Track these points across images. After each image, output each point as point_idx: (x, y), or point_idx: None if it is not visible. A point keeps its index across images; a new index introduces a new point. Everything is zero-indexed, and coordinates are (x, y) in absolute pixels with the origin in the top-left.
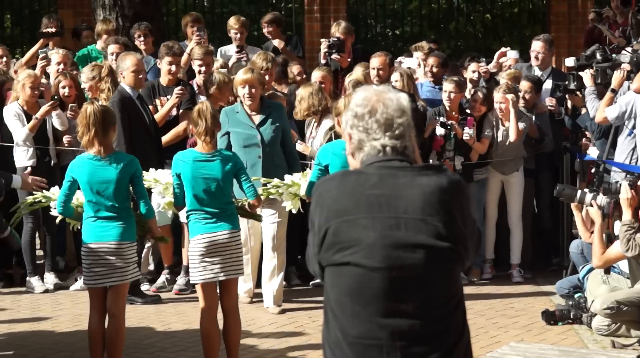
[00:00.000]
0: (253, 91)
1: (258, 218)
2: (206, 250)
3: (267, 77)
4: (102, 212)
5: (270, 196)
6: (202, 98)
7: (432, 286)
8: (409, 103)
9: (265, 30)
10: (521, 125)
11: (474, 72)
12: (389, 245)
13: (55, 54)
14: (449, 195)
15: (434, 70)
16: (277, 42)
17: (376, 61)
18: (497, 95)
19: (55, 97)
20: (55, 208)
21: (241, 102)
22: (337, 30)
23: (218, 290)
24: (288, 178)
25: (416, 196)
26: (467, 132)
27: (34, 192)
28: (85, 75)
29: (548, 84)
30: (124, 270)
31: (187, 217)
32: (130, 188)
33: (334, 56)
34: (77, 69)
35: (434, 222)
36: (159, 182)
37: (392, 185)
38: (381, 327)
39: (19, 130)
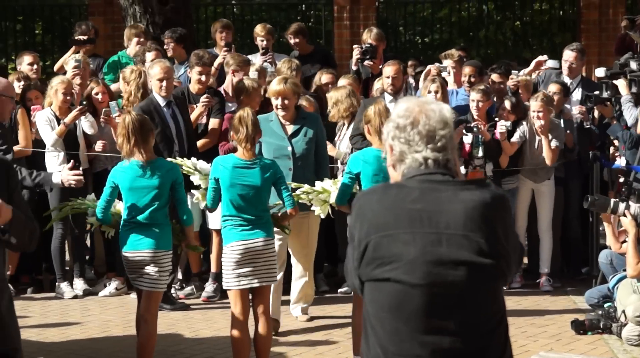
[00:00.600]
0: (286, 102)
1: (286, 231)
2: (241, 256)
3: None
4: (139, 219)
5: (300, 201)
6: (231, 105)
7: (474, 303)
8: (452, 115)
9: (291, 42)
10: (554, 143)
11: (495, 83)
12: (430, 261)
13: (60, 84)
14: (491, 211)
15: (472, 79)
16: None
17: (390, 69)
18: (534, 104)
19: (84, 102)
20: (92, 215)
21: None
22: (369, 36)
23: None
24: (319, 185)
25: (458, 212)
26: (504, 125)
27: (70, 199)
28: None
29: (577, 93)
30: (158, 278)
31: (222, 223)
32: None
33: (366, 62)
34: (109, 75)
35: (476, 238)
36: (199, 172)
37: (434, 200)
38: (422, 344)
39: (48, 135)
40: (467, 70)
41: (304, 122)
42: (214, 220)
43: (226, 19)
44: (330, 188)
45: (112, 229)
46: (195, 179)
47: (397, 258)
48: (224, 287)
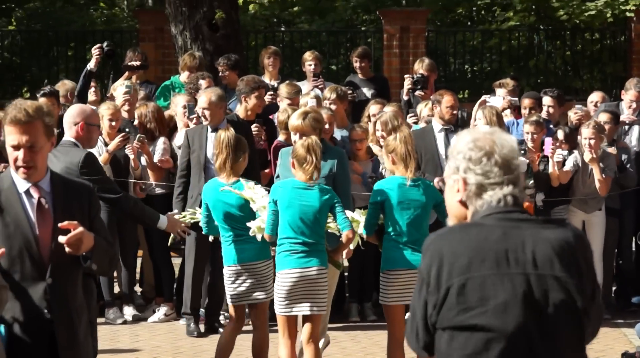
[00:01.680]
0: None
1: (338, 266)
2: (294, 284)
3: (333, 107)
4: (230, 232)
5: (329, 231)
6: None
7: (563, 345)
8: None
9: (356, 65)
10: (605, 174)
11: (545, 106)
12: (520, 304)
13: (106, 110)
14: (577, 250)
15: (550, 110)
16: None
17: (450, 99)
18: (586, 131)
19: (127, 130)
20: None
21: None
22: (421, 66)
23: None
24: (349, 214)
25: (545, 251)
26: (561, 154)
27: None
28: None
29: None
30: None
31: (278, 247)
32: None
33: (417, 92)
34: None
35: (564, 278)
36: (253, 201)
37: (517, 239)
38: None
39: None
40: (526, 102)
41: (326, 158)
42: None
43: (275, 47)
44: (360, 218)
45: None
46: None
47: (484, 301)
48: (276, 312)
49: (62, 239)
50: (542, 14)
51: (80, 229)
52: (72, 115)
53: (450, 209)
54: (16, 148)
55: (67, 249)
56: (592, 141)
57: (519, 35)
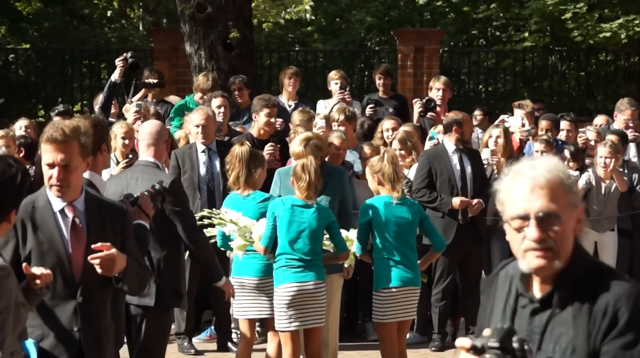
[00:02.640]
0: None
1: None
2: (292, 298)
3: (341, 128)
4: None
5: (323, 248)
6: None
7: None
8: None
9: (379, 82)
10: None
11: (563, 130)
12: None
13: (120, 129)
14: None
15: (569, 134)
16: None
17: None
18: (602, 150)
19: (130, 156)
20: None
21: None
22: (436, 83)
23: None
24: (343, 233)
25: None
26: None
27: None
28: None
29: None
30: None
31: (276, 263)
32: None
33: (429, 114)
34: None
35: None
36: (235, 224)
37: None
38: None
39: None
40: (543, 124)
41: (328, 179)
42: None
43: (295, 67)
44: (354, 236)
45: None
46: (227, 229)
47: None
48: (276, 328)
49: (94, 261)
50: (557, 35)
51: (113, 251)
52: (155, 132)
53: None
54: (51, 166)
55: (99, 270)
56: (608, 160)
57: (534, 56)
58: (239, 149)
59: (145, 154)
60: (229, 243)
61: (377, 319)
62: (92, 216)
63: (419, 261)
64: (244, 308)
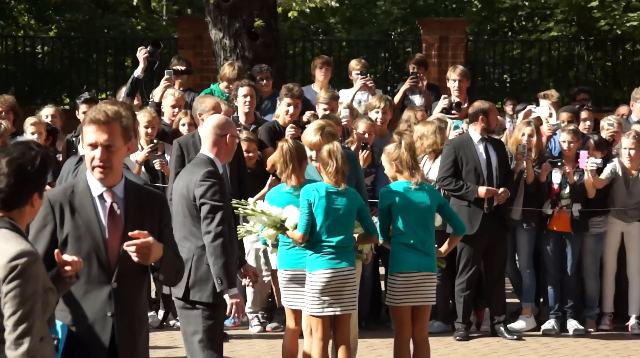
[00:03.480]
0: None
1: (362, 256)
2: (326, 284)
3: (380, 115)
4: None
5: None
6: None
7: None
8: None
9: (411, 71)
10: None
11: (584, 120)
12: None
13: (171, 96)
14: None
15: (588, 123)
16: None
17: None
18: (626, 141)
19: (154, 141)
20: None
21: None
22: (453, 72)
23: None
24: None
25: None
26: (594, 162)
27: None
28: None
29: None
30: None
31: (310, 249)
32: None
33: (453, 112)
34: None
35: None
36: (267, 215)
37: None
38: None
39: (127, 173)
40: (564, 116)
41: None
42: (274, 260)
43: (326, 56)
44: (376, 223)
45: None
46: (256, 220)
47: None
48: (308, 313)
49: (130, 249)
50: (583, 25)
51: (150, 239)
52: (215, 126)
53: None
54: (94, 146)
55: (135, 258)
56: (632, 152)
57: (559, 46)
58: (287, 147)
59: (204, 148)
60: (261, 234)
61: (391, 302)
62: (131, 202)
63: (441, 248)
64: (294, 298)
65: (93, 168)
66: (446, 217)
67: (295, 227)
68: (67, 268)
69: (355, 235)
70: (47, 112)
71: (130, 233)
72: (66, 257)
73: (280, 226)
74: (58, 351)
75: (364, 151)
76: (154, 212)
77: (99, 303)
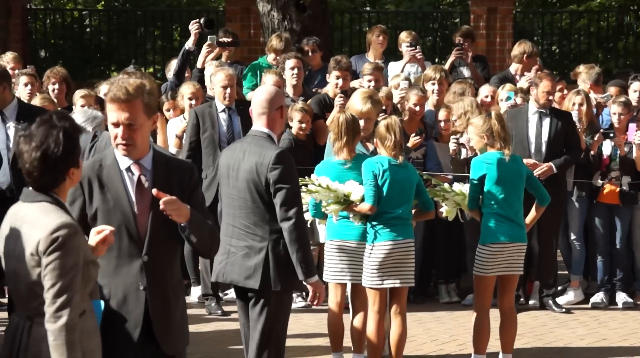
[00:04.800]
0: (368, 123)
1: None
2: (386, 256)
3: (437, 86)
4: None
5: (435, 198)
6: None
7: None
8: None
9: (457, 42)
10: None
11: (635, 91)
12: None
13: (187, 89)
14: None
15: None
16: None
17: (548, 84)
18: None
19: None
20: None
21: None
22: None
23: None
24: (457, 186)
25: None
26: None
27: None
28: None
29: None
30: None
31: (370, 221)
32: None
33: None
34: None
35: None
36: (332, 190)
37: None
38: None
39: (170, 147)
40: (612, 90)
41: (355, 165)
42: (322, 234)
43: (383, 26)
44: (466, 191)
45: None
46: (319, 196)
47: None
48: (366, 285)
49: (161, 203)
50: None
51: (174, 197)
52: (266, 100)
53: None
54: (116, 125)
55: (165, 212)
56: None
57: (608, 16)
58: (343, 118)
59: (257, 123)
60: (323, 209)
61: (479, 272)
62: (159, 174)
63: (526, 219)
64: (338, 271)
65: (117, 145)
66: (532, 187)
67: (361, 200)
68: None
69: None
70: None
71: (153, 191)
72: (101, 227)
73: (344, 201)
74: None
75: (417, 136)
76: (183, 180)
77: (131, 276)
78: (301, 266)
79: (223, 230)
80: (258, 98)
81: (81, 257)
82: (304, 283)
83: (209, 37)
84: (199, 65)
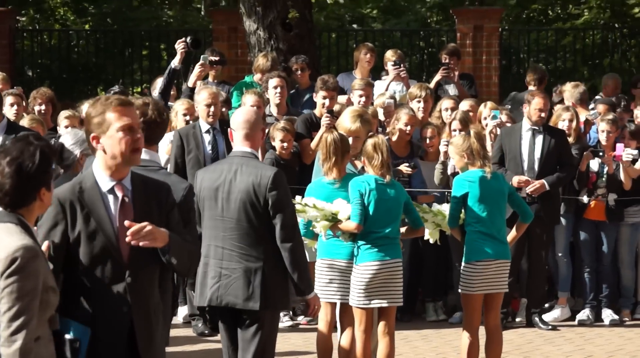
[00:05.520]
0: (357, 141)
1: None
2: (373, 276)
3: (422, 104)
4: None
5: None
6: None
7: None
8: None
9: (443, 61)
10: None
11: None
12: None
13: (181, 105)
14: None
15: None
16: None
17: (541, 102)
18: None
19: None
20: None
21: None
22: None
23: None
24: (436, 206)
25: None
26: (630, 153)
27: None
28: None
29: None
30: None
31: (358, 241)
32: None
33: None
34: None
35: None
36: (318, 209)
37: None
38: None
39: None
40: (600, 108)
41: (344, 184)
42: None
43: (370, 44)
44: (446, 212)
45: (314, 242)
46: (308, 216)
47: None
48: (353, 304)
49: (128, 238)
50: (617, 11)
51: (145, 223)
52: (249, 121)
53: None
54: (128, 129)
55: (141, 244)
56: None
57: (594, 33)
58: (331, 138)
59: (240, 144)
60: (312, 228)
61: (467, 290)
62: (139, 194)
63: (508, 236)
64: (328, 290)
65: (133, 151)
66: (515, 204)
67: (348, 219)
68: None
69: (403, 229)
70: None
71: (126, 224)
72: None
73: (332, 219)
74: (80, 353)
75: (409, 168)
76: (161, 199)
77: (116, 299)
78: (302, 285)
79: (210, 252)
80: (239, 119)
81: (40, 282)
82: (305, 299)
83: (201, 56)
84: (190, 84)
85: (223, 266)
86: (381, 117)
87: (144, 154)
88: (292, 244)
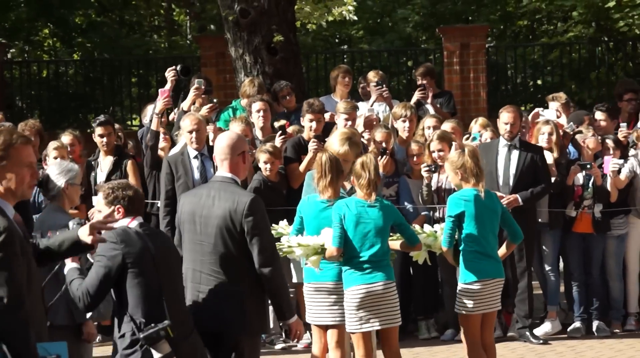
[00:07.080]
0: (345, 164)
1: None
2: (361, 300)
3: (407, 124)
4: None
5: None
6: None
7: None
8: None
9: (419, 83)
10: None
11: (599, 121)
12: None
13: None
14: None
15: (602, 124)
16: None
17: (508, 116)
18: None
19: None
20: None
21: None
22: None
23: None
24: (427, 228)
25: None
26: (616, 163)
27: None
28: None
29: None
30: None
31: (344, 265)
32: None
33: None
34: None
35: None
36: (304, 246)
37: None
38: None
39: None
40: (576, 120)
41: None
42: (296, 274)
43: (345, 66)
44: (436, 233)
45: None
46: (297, 255)
47: None
48: (348, 330)
49: None
50: (602, 26)
51: None
52: (229, 146)
53: None
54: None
55: None
56: None
57: (580, 48)
58: (326, 157)
59: (221, 169)
60: (305, 265)
61: (465, 311)
62: None
63: (499, 252)
64: (318, 313)
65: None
66: (506, 224)
67: None
68: None
69: (398, 242)
70: (65, 141)
71: None
72: None
73: (322, 251)
74: None
75: (383, 156)
76: None
77: None
78: (283, 310)
79: (187, 275)
80: (220, 144)
81: None
82: (286, 324)
83: (196, 81)
84: (185, 108)
85: (201, 290)
86: (360, 128)
87: None
88: (270, 269)
